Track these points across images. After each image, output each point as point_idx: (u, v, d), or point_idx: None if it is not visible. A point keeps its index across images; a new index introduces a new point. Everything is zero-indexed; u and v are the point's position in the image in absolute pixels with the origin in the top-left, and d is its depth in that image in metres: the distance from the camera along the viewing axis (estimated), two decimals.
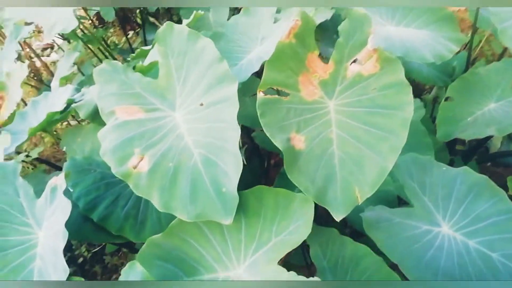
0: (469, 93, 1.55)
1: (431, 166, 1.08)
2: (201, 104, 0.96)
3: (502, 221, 0.97)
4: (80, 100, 1.20)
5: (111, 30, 3.14)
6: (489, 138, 1.62)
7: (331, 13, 1.70)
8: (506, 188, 1.55)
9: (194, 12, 1.39)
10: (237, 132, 0.89)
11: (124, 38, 2.75)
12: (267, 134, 0.89)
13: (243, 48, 1.41)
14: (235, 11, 2.53)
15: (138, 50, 1.28)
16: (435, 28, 1.49)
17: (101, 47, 2.23)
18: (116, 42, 3.03)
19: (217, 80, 0.96)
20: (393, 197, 1.18)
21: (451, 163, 1.77)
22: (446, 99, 1.56)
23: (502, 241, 0.95)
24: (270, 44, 1.34)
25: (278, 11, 1.67)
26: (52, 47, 3.29)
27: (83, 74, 2.09)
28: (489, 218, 0.98)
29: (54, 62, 3.05)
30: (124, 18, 3.16)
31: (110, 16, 2.30)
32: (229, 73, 0.95)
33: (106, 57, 2.05)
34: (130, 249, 1.54)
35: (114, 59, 2.33)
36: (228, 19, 1.99)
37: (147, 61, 1.16)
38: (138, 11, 2.78)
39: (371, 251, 0.93)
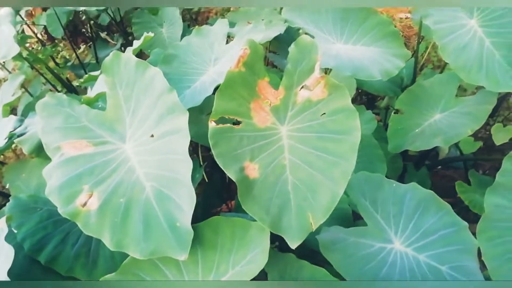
0: (416, 105, 1.63)
1: (382, 183, 1.12)
2: (152, 136, 0.94)
3: (448, 234, 1.02)
4: (23, 134, 1.14)
5: (61, 44, 3.01)
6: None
7: (284, 26, 1.74)
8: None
9: (145, 34, 1.36)
10: (189, 164, 0.88)
11: (74, 54, 2.64)
12: (220, 165, 0.89)
13: (196, 70, 1.40)
14: (190, 25, 2.51)
15: (86, 76, 1.24)
16: (382, 45, 1.56)
17: (50, 65, 2.14)
18: (67, 56, 2.91)
19: (167, 111, 0.94)
20: (348, 215, 1.22)
21: (404, 170, 1.85)
22: (396, 112, 1.63)
23: (449, 253, 1.00)
24: (223, 66, 1.34)
25: (232, 25, 1.68)
26: None
27: (31, 95, 1.99)
28: (436, 232, 1.03)
29: (0, 80, 2.87)
30: (75, 31, 3.04)
31: (58, 33, 2.20)
32: (179, 104, 0.93)
33: (55, 76, 1.96)
34: None
35: (63, 79, 2.24)
36: (182, 36, 1.97)
37: (94, 91, 1.12)
38: (88, 25, 2.69)
39: (327, 272, 0.95)
